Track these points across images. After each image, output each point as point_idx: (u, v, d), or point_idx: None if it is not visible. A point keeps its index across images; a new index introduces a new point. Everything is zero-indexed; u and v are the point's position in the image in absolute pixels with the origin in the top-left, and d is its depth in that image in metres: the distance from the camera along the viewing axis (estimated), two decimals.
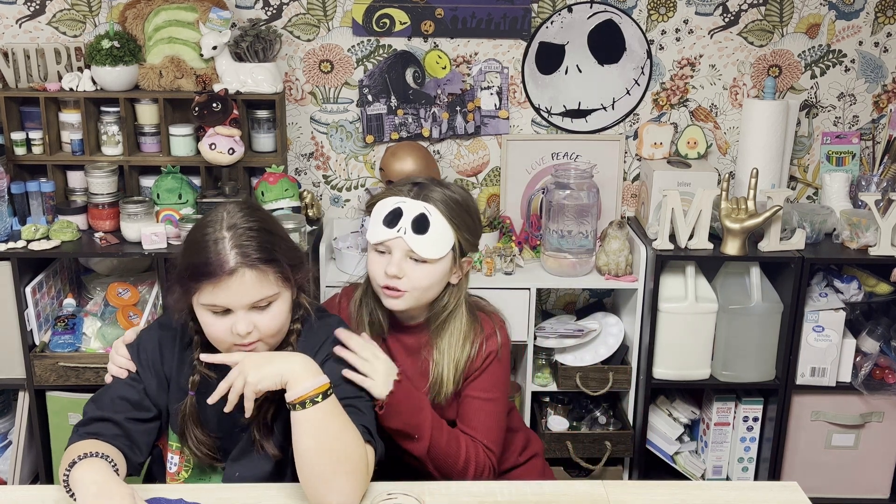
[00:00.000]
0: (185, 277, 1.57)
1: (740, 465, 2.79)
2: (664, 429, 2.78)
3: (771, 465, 2.73)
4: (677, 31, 2.80)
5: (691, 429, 2.86)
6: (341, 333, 1.67)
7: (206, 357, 1.58)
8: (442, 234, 1.78)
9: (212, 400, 1.54)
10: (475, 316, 1.86)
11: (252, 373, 1.50)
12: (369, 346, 1.68)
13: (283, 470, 1.66)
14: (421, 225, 1.77)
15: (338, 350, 1.65)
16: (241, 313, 1.56)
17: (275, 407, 1.62)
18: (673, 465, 2.79)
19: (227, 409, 1.52)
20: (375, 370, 1.65)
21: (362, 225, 2.71)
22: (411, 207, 1.78)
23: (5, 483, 2.61)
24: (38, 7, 2.69)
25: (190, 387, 1.65)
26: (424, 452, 1.73)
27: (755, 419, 2.76)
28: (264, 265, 1.56)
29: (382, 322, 1.87)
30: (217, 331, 1.58)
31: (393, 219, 1.77)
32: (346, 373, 1.63)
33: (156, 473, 1.76)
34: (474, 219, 1.86)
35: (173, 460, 1.69)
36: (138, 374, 1.66)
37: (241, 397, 1.52)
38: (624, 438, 2.72)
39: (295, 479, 1.54)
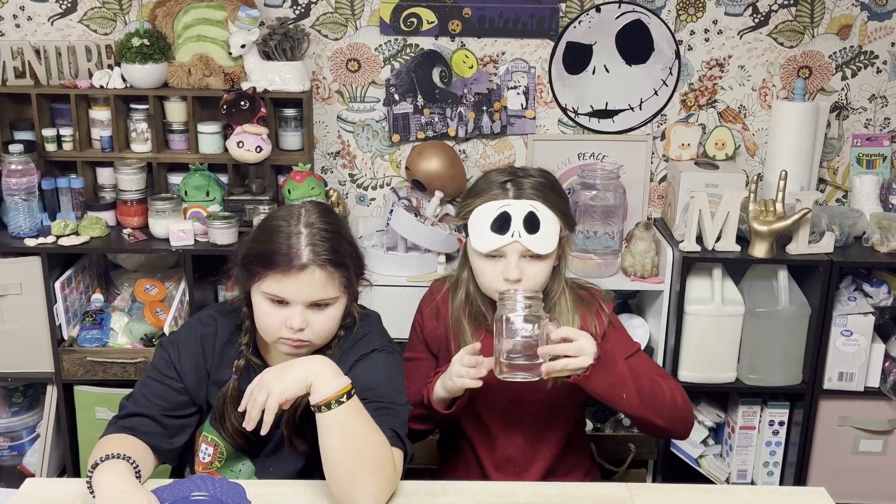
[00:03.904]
0: (252, 262, 1.60)
1: (765, 470, 2.77)
2: None
3: (797, 470, 2.70)
4: (706, 31, 2.78)
5: (716, 432, 2.84)
6: (543, 349, 1.58)
7: (242, 408, 1.54)
8: (551, 226, 1.77)
9: (241, 408, 1.53)
10: (577, 294, 1.86)
11: (276, 383, 1.48)
12: (571, 332, 1.63)
13: (313, 466, 1.67)
14: (532, 224, 1.74)
15: (542, 349, 1.58)
16: (299, 308, 1.58)
17: (304, 404, 1.63)
18: (697, 468, 2.77)
19: (248, 426, 1.50)
20: (583, 348, 1.61)
21: (388, 224, 2.71)
22: (518, 208, 1.75)
23: (33, 475, 2.64)
24: (69, 5, 2.72)
25: (234, 370, 1.67)
26: (639, 404, 1.70)
27: (781, 423, 2.73)
28: (333, 267, 1.58)
29: (487, 316, 1.84)
30: (270, 320, 1.60)
31: (502, 224, 1.74)
32: (554, 364, 1.58)
33: (186, 460, 1.78)
34: (563, 195, 1.85)
35: (207, 451, 1.71)
36: (177, 372, 1.67)
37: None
38: (648, 441, 2.69)
39: (323, 475, 1.54)
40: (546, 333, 1.60)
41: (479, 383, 1.67)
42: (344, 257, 1.61)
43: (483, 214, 1.76)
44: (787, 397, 2.73)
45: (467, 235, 1.81)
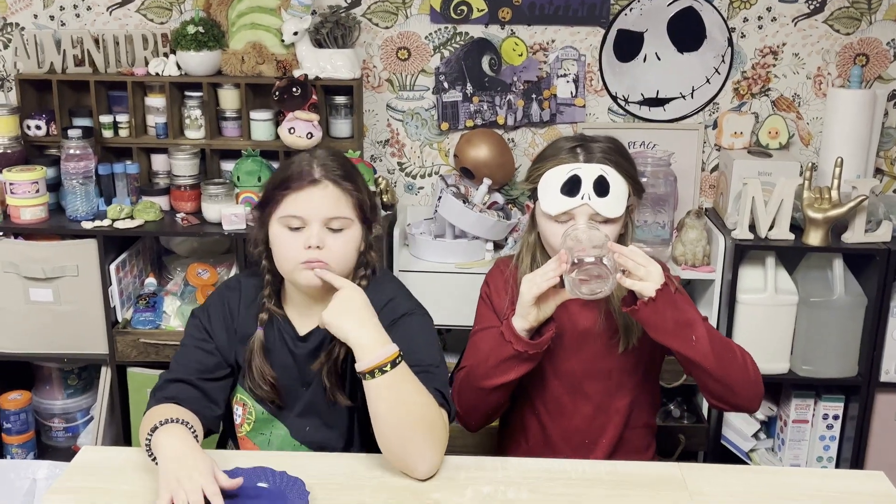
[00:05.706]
0: (269, 190, 1.66)
1: (819, 464, 2.71)
2: (740, 424, 2.72)
3: (852, 465, 2.64)
4: (760, 18, 2.75)
5: (768, 425, 2.79)
6: (614, 245, 1.65)
7: (321, 273, 1.60)
8: (620, 190, 1.79)
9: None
10: None
11: (326, 314, 1.55)
12: (641, 252, 1.67)
13: (353, 425, 1.70)
14: (602, 187, 1.76)
15: (617, 258, 1.63)
16: (316, 227, 1.61)
17: (346, 349, 1.63)
18: (748, 461, 2.72)
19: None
20: (650, 273, 1.64)
21: (436, 211, 2.72)
22: (588, 172, 1.77)
23: None
24: None
25: (259, 323, 1.71)
26: (710, 352, 1.67)
27: (836, 417, 2.67)
28: (346, 183, 1.64)
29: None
30: (288, 247, 1.62)
31: (572, 187, 1.76)
32: (621, 278, 1.62)
33: (227, 430, 1.81)
34: (631, 161, 1.86)
35: (237, 412, 1.74)
36: (208, 333, 1.72)
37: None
38: (698, 432, 2.66)
39: (362, 436, 1.55)
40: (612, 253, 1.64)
41: (552, 283, 1.66)
42: (356, 180, 1.67)
43: (553, 177, 1.79)
44: (841, 390, 2.67)
45: (536, 200, 1.83)
